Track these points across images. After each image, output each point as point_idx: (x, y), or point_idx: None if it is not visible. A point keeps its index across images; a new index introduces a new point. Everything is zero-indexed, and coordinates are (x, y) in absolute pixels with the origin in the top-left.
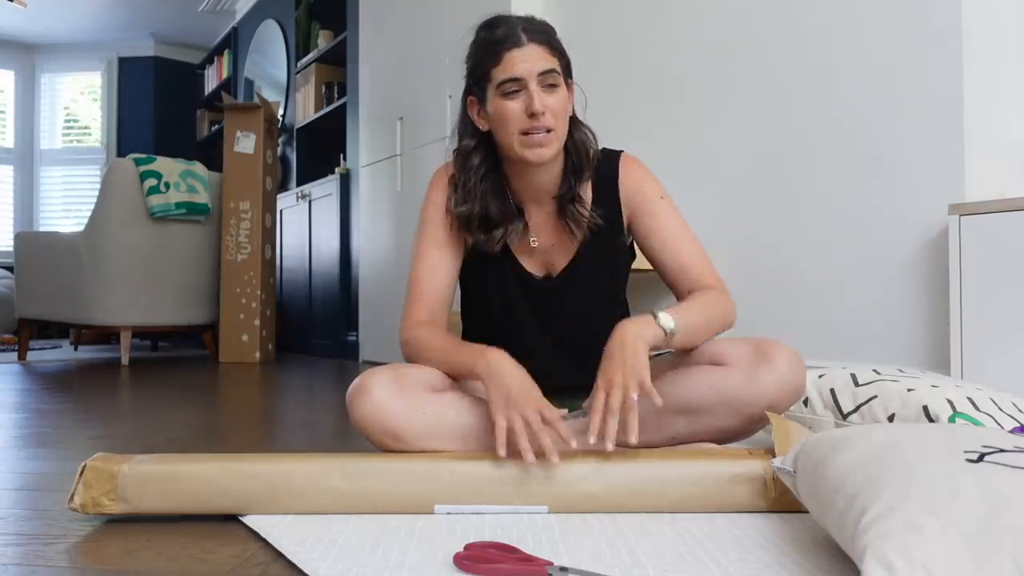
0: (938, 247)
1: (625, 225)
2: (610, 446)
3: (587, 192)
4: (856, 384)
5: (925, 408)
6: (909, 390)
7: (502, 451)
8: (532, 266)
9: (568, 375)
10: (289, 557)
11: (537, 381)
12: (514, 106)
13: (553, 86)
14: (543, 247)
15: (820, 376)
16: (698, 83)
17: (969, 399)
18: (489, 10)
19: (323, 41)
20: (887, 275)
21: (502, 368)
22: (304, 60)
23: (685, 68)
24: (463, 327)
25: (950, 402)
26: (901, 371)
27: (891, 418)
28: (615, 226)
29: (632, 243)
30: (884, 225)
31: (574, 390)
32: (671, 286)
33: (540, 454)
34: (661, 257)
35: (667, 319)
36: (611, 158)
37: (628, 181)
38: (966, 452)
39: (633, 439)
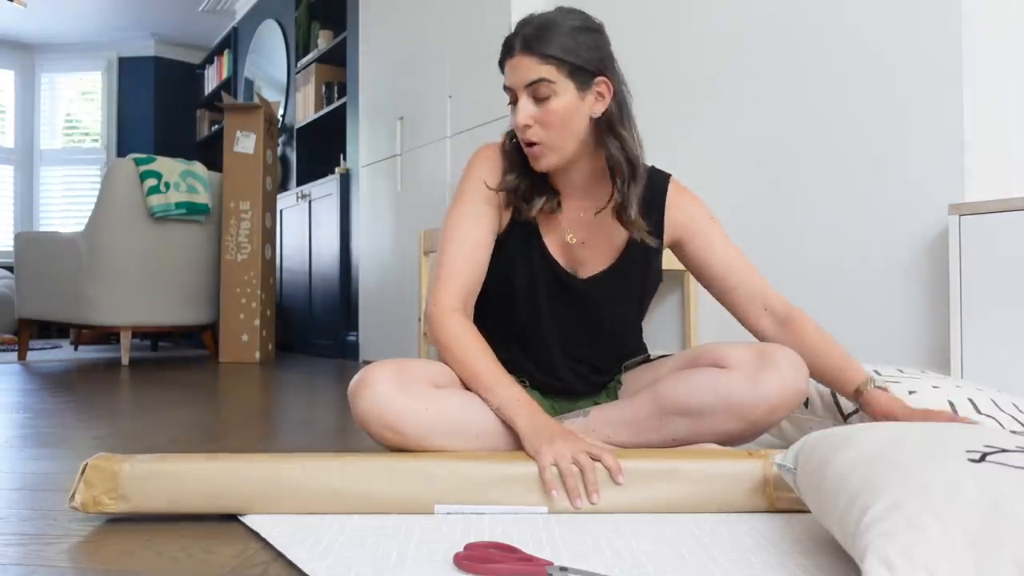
0: (938, 247)
1: (667, 246)
2: None
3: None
4: None
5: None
6: (911, 392)
7: (554, 492)
8: (563, 261)
9: (575, 378)
10: (289, 557)
11: (546, 377)
12: (513, 115)
13: (545, 96)
14: (577, 244)
15: None
16: (697, 84)
17: (970, 400)
18: (489, 10)
19: (323, 41)
20: (887, 275)
21: (537, 411)
22: (304, 60)
23: (684, 70)
24: (476, 310)
25: (951, 405)
26: (901, 371)
27: None
28: (654, 247)
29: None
30: (884, 225)
31: (579, 394)
32: (738, 303)
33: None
34: (726, 277)
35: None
36: (660, 178)
37: (679, 204)
38: (968, 452)
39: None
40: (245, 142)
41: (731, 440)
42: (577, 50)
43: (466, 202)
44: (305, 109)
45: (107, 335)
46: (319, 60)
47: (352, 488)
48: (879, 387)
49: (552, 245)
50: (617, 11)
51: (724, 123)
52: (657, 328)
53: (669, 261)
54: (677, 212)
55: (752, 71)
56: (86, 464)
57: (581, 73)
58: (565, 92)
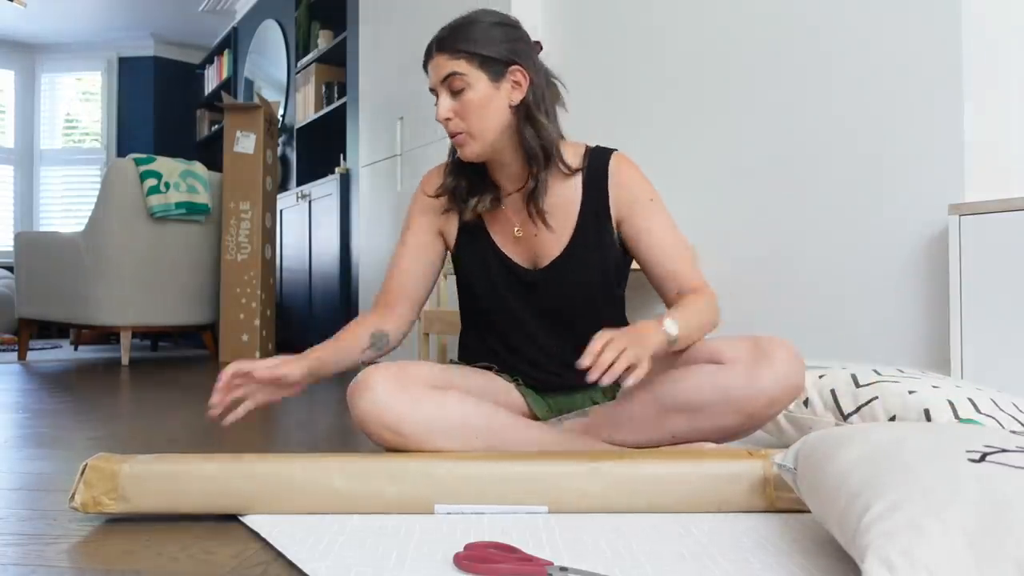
0: (938, 247)
1: (615, 223)
2: (605, 379)
3: (576, 188)
4: (857, 385)
5: (927, 412)
6: (911, 392)
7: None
8: (517, 255)
9: (566, 369)
10: (289, 557)
11: (538, 374)
12: None
13: (460, 89)
14: (527, 236)
15: (820, 376)
16: (697, 84)
17: (970, 400)
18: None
19: (323, 41)
20: (887, 275)
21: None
22: (304, 60)
23: (685, 68)
24: (462, 324)
25: (951, 405)
26: (901, 371)
27: (892, 420)
28: (603, 222)
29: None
30: (884, 225)
31: (574, 387)
32: (658, 287)
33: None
34: (650, 258)
35: (672, 326)
36: (602, 155)
37: (619, 180)
38: (968, 452)
39: (631, 380)
40: (245, 142)
41: (731, 434)
42: (487, 42)
43: (407, 224)
44: (305, 109)
45: (107, 335)
46: (319, 60)
47: (352, 488)
48: (660, 326)
49: (503, 242)
50: (625, 13)
51: (722, 123)
52: None
53: None
54: (619, 188)
55: (750, 70)
56: (86, 465)
57: (493, 63)
58: (478, 82)
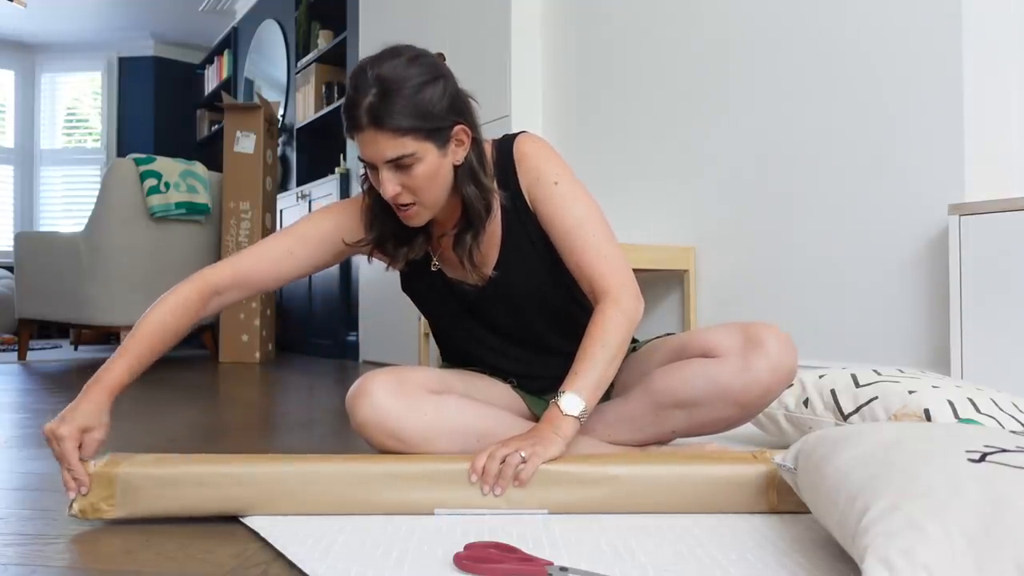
0: (938, 247)
1: (532, 211)
2: (497, 491)
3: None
4: (857, 385)
5: (927, 411)
6: (911, 392)
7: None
8: (462, 275)
9: (553, 365)
10: (289, 557)
11: (524, 379)
12: (375, 179)
13: (408, 165)
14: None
15: (820, 376)
16: (698, 83)
17: (970, 400)
18: (489, 10)
19: (323, 41)
20: (887, 275)
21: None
22: (304, 60)
23: (685, 68)
24: (444, 351)
25: (951, 404)
26: (901, 371)
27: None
28: (525, 218)
29: None
30: (884, 225)
31: (554, 384)
32: (577, 277)
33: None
34: (560, 249)
35: (574, 405)
36: (507, 146)
37: (523, 166)
38: (968, 452)
39: (499, 491)
40: (245, 142)
41: (729, 425)
42: (429, 111)
43: (310, 217)
44: (305, 109)
45: (107, 335)
46: (319, 60)
47: (351, 492)
48: (556, 403)
49: (444, 262)
50: (626, 12)
51: (723, 123)
52: (657, 328)
53: (668, 262)
54: (524, 175)
55: (751, 71)
56: None
57: (438, 132)
58: (427, 155)
